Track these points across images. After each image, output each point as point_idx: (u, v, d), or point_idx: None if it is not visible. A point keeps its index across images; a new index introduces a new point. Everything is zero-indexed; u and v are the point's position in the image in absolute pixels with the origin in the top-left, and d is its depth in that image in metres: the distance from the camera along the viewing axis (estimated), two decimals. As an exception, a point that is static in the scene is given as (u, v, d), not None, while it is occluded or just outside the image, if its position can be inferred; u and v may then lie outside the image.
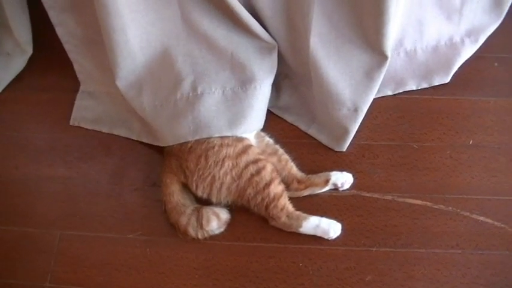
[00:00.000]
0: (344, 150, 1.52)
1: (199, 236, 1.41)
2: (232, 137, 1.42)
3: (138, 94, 1.49)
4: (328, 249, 1.40)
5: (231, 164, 1.39)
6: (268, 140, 1.51)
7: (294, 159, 1.49)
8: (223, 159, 1.39)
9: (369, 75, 1.43)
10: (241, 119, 1.44)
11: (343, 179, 1.45)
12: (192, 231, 1.41)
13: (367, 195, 1.46)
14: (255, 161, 1.41)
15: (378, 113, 1.56)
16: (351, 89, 1.44)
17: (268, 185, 1.39)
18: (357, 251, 1.39)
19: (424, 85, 1.59)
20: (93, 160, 1.58)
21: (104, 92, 1.63)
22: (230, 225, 1.43)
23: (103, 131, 1.63)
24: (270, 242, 1.42)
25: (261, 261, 1.40)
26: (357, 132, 1.51)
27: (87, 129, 1.64)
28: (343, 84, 1.44)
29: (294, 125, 1.58)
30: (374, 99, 1.48)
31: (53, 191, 1.55)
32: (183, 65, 1.46)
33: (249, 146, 1.43)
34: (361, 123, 1.50)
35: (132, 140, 1.60)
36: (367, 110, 1.48)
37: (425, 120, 1.54)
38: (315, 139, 1.55)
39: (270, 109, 1.56)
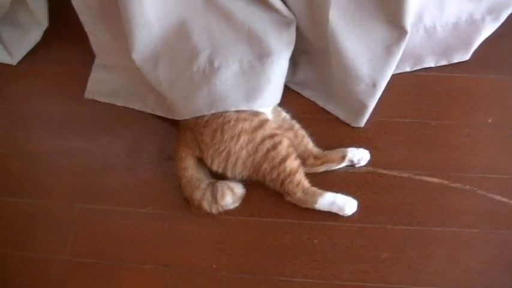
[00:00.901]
0: (361, 126, 1.50)
1: (214, 211, 1.41)
2: (248, 111, 1.41)
3: (154, 67, 1.47)
4: (343, 226, 1.39)
5: (247, 139, 1.38)
6: (285, 115, 1.50)
7: (311, 135, 1.47)
8: (239, 134, 1.38)
9: (388, 50, 1.40)
10: (257, 93, 1.42)
11: (359, 156, 1.44)
12: (206, 206, 1.41)
13: (384, 172, 1.44)
14: (271, 136, 1.39)
15: (396, 90, 1.53)
16: (369, 64, 1.42)
17: (284, 160, 1.38)
18: (372, 228, 1.38)
19: (443, 62, 1.56)
20: (111, 134, 1.58)
21: (119, 65, 1.62)
22: (245, 200, 1.43)
23: (118, 104, 1.62)
24: (285, 217, 1.41)
25: (275, 237, 1.40)
26: (374, 108, 1.48)
27: (102, 102, 1.63)
28: (361, 58, 1.42)
29: (311, 101, 1.56)
30: (392, 75, 1.45)
31: (71, 164, 1.56)
32: (200, 38, 1.45)
33: (266, 121, 1.42)
34: (379, 99, 1.47)
35: (147, 113, 1.59)
36: (385, 86, 1.45)
37: (443, 97, 1.52)
38: (332, 115, 1.53)
39: (287, 84, 1.54)
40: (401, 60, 1.47)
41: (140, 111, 1.60)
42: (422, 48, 1.54)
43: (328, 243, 1.38)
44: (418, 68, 1.57)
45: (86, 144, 1.58)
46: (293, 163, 1.39)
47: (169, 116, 1.53)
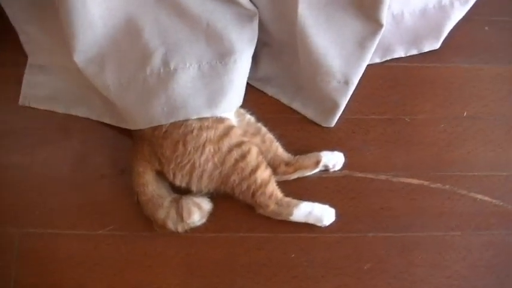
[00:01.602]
0: (332, 125, 1.39)
1: (180, 229, 1.27)
2: (211, 118, 1.27)
3: (101, 70, 1.30)
4: (322, 237, 1.29)
5: (212, 149, 1.25)
6: (250, 117, 1.36)
7: (279, 138, 1.35)
8: (203, 144, 1.24)
9: (362, 44, 1.30)
10: (220, 96, 1.28)
11: (334, 160, 1.33)
12: (171, 225, 1.27)
13: (360, 175, 1.35)
14: (239, 144, 1.26)
15: (367, 83, 1.41)
16: (341, 60, 1.31)
17: (254, 170, 1.25)
18: (353, 238, 1.29)
19: (413, 51, 1.47)
20: (52, 145, 1.39)
21: (58, 65, 1.42)
22: (213, 215, 1.30)
23: (58, 111, 1.42)
24: (258, 231, 1.30)
25: (250, 254, 1.29)
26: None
27: (40, 109, 1.43)
28: (333, 54, 1.30)
29: (276, 99, 1.43)
30: None
31: (7, 182, 1.36)
32: (151, 36, 1.28)
33: (231, 128, 1.28)
34: (349, 94, 1.37)
35: (94, 120, 1.41)
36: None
37: (416, 90, 1.43)
38: (299, 114, 1.41)
39: (248, 82, 1.40)
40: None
41: (85, 118, 1.41)
42: (391, 37, 1.43)
43: (307, 257, 1.28)
44: (388, 58, 1.47)
45: (22, 159, 1.38)
46: (264, 173, 1.27)
47: (121, 125, 1.36)
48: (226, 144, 1.25)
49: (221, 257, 1.28)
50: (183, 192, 1.29)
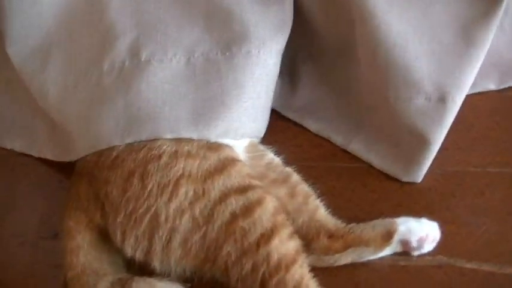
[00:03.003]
0: (419, 180, 0.81)
1: None
2: (199, 141, 0.73)
3: (41, 67, 0.82)
4: None
5: (192, 192, 0.69)
6: (273, 158, 0.81)
7: (322, 196, 0.77)
8: (176, 182, 0.69)
9: (467, 34, 0.76)
10: (218, 109, 0.75)
11: (421, 232, 0.73)
12: (106, 331, 0.68)
13: (469, 266, 0.72)
14: (243, 190, 0.70)
15: (475, 119, 0.87)
16: (432, 62, 0.77)
17: (267, 238, 0.68)
18: None
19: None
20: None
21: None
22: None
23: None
24: None
25: None
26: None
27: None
28: (418, 51, 0.77)
29: (323, 137, 0.88)
30: (467, 95, 0.80)
31: None
32: (120, 15, 0.80)
33: (233, 161, 0.73)
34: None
35: (16, 158, 0.90)
36: (459, 110, 0.78)
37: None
38: (362, 161, 0.85)
39: (278, 110, 0.89)
40: (482, 74, 0.83)
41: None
42: (512, 55, 0.89)
43: None
44: (507, 85, 0.91)
45: None
46: (286, 245, 0.68)
47: (62, 158, 0.85)
48: (218, 185, 0.70)
49: None
50: (142, 272, 0.72)
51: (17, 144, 0.91)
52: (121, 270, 0.73)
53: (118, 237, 0.71)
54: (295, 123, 0.90)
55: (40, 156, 0.89)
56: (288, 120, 0.90)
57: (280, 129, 0.87)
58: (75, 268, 0.72)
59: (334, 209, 0.77)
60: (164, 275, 0.71)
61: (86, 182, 0.75)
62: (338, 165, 0.84)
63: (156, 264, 0.70)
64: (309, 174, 0.79)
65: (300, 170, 0.80)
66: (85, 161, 0.76)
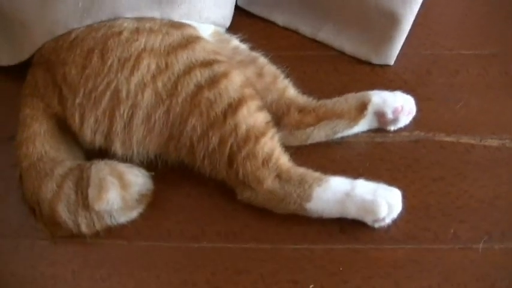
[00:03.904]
0: (391, 63, 0.77)
1: (84, 228, 0.64)
2: (161, 20, 0.69)
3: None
4: (374, 252, 0.62)
5: (155, 65, 0.65)
6: (240, 44, 0.77)
7: (293, 81, 0.74)
8: (138, 55, 0.65)
9: None
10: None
11: (396, 103, 0.69)
12: (66, 216, 0.63)
13: (448, 139, 0.70)
14: (208, 63, 0.66)
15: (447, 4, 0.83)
16: None
17: (234, 108, 0.64)
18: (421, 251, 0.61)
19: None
20: None
21: None
22: (152, 205, 0.66)
23: None
24: (239, 241, 0.64)
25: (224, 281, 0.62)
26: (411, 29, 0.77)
27: None
28: None
29: (291, 29, 0.84)
30: None
31: None
32: None
33: (197, 38, 0.69)
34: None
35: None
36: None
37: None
38: (332, 50, 0.81)
39: (244, 8, 0.86)
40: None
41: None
42: None
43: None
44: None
45: None
46: (254, 116, 0.65)
47: (19, 57, 0.77)
48: (183, 58, 0.66)
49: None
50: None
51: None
52: (79, 159, 0.69)
53: (76, 120, 0.66)
54: (263, 19, 0.86)
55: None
56: (256, 16, 0.86)
57: (247, 24, 0.83)
58: (30, 156, 0.67)
59: (305, 92, 0.73)
60: (126, 161, 0.67)
61: (43, 69, 0.70)
62: (308, 54, 0.81)
63: (117, 146, 0.66)
64: (279, 63, 0.75)
65: (269, 60, 0.76)
66: (42, 51, 0.71)
